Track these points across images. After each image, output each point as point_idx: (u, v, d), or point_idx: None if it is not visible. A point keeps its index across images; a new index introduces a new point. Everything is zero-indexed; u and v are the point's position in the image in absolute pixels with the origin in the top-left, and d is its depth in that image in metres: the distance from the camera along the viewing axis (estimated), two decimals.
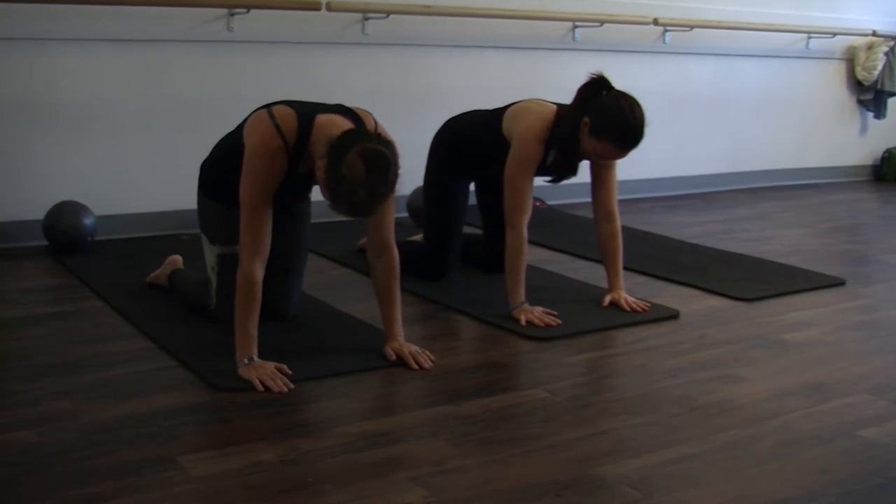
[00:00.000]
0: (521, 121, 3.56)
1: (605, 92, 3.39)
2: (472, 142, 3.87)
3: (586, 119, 3.35)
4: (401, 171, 2.71)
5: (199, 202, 3.33)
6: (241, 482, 2.21)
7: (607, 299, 3.69)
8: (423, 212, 4.11)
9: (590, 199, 3.72)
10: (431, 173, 4.02)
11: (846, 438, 2.56)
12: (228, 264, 3.19)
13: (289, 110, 2.91)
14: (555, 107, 3.56)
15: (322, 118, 2.86)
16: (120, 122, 4.64)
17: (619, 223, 3.71)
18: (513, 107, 3.70)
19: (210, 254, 3.29)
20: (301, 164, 2.93)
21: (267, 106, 3.00)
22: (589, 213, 3.76)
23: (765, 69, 6.90)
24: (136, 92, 4.65)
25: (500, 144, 3.61)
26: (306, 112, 2.90)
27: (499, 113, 3.74)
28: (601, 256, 3.79)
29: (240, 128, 3.07)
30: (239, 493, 2.17)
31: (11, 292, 3.72)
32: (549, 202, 5.59)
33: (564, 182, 3.65)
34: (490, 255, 4.05)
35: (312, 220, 3.51)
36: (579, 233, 4.83)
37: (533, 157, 3.50)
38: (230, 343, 2.86)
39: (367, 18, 5.13)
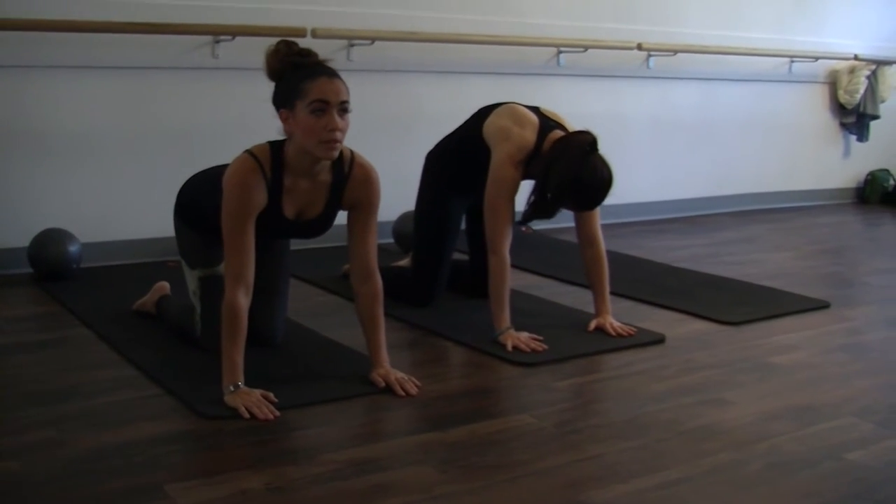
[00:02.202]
0: (500, 145, 3.55)
1: (587, 150, 3.36)
2: (458, 160, 3.88)
3: None
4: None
5: (176, 228, 3.34)
6: None
7: (593, 324, 3.70)
8: (413, 238, 4.11)
9: (574, 224, 3.73)
10: (424, 201, 4.02)
11: (833, 461, 2.56)
12: (210, 287, 3.21)
13: (263, 143, 2.93)
14: (536, 123, 3.54)
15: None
16: (105, 149, 4.64)
17: (602, 247, 3.72)
18: (492, 119, 3.66)
19: (191, 278, 3.30)
20: (284, 200, 2.93)
21: None
22: (575, 238, 3.76)
23: (748, 93, 6.95)
24: (121, 119, 4.66)
25: (486, 151, 3.62)
26: (278, 140, 2.93)
27: (477, 122, 3.73)
28: (587, 281, 3.80)
29: (223, 167, 3.07)
30: None
31: None
32: (535, 227, 5.60)
33: None
34: (476, 281, 4.06)
35: (297, 247, 3.52)
36: (565, 257, 4.84)
37: (511, 183, 3.51)
38: (216, 370, 2.85)
39: (352, 45, 5.15)
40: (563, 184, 3.34)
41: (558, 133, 3.52)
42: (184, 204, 3.32)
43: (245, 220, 2.84)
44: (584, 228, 3.69)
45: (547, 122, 3.57)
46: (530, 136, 3.52)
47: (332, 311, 3.99)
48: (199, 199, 3.21)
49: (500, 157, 3.52)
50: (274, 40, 2.91)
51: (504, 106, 3.71)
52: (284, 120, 2.83)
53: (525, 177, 3.57)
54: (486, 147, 3.63)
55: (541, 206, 3.44)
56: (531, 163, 3.52)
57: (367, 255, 3.04)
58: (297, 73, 2.79)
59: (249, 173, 2.85)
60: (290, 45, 2.86)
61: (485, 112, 3.76)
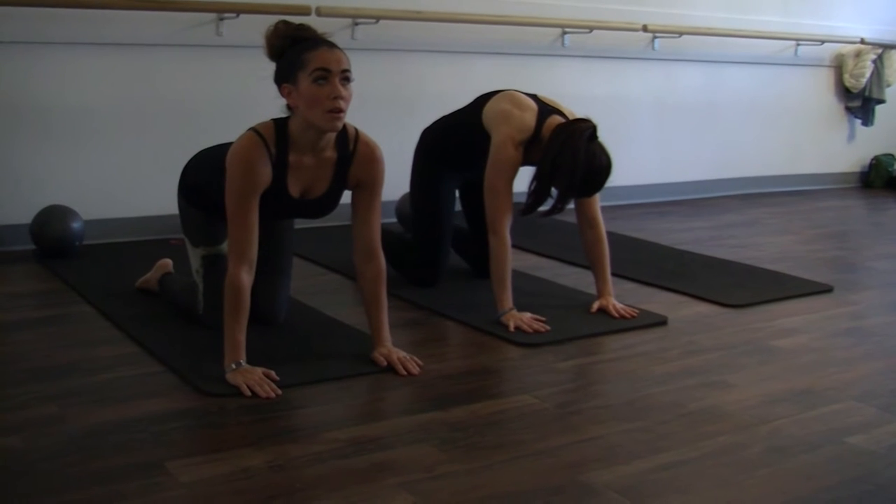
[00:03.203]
0: (500, 127, 3.55)
1: (589, 138, 3.36)
2: (455, 141, 3.88)
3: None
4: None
5: (180, 206, 3.34)
6: (230, 488, 2.20)
7: (595, 305, 3.70)
8: (412, 221, 4.10)
9: (573, 206, 3.71)
10: (417, 184, 4.03)
11: (834, 445, 2.56)
12: (213, 265, 3.22)
13: (267, 121, 2.91)
14: (535, 108, 3.54)
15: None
16: (109, 126, 4.63)
17: (602, 229, 3.71)
18: (492, 104, 3.66)
19: (194, 256, 3.29)
20: (289, 177, 2.91)
21: None
22: (576, 219, 3.75)
23: (753, 76, 6.93)
24: (125, 96, 4.65)
25: (484, 136, 3.62)
26: (282, 117, 2.91)
27: (476, 108, 3.73)
28: (588, 263, 3.80)
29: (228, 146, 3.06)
30: (227, 499, 2.16)
31: None
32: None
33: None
34: (477, 261, 4.06)
35: (299, 226, 3.51)
36: (567, 238, 4.82)
37: (511, 163, 3.50)
38: (218, 348, 2.85)
39: (356, 23, 5.14)
40: (569, 178, 3.33)
41: (557, 119, 3.51)
42: (188, 183, 3.31)
43: (249, 197, 2.83)
44: (584, 211, 3.68)
45: (545, 108, 3.57)
46: (530, 119, 3.52)
47: (334, 289, 3.99)
48: (204, 178, 3.20)
49: (501, 139, 3.52)
50: (278, 18, 2.90)
51: (503, 92, 3.72)
52: (287, 95, 2.82)
53: (524, 162, 3.56)
54: (485, 133, 3.63)
55: (544, 196, 3.42)
56: (530, 147, 3.51)
57: (370, 235, 3.03)
58: (297, 46, 2.80)
59: (253, 150, 2.84)
60: (287, 23, 2.87)
61: (484, 98, 3.76)
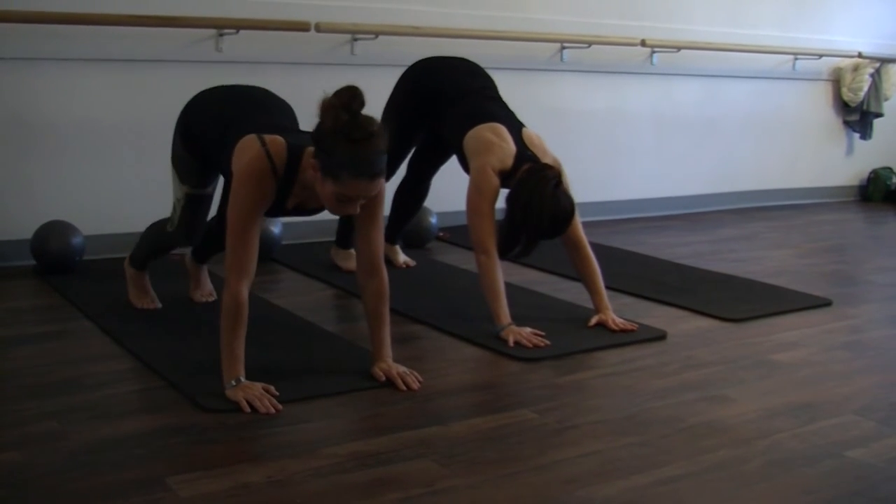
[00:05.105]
0: (482, 154, 3.59)
1: (555, 185, 3.40)
2: (441, 125, 3.98)
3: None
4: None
5: (174, 143, 3.39)
6: (229, 503, 2.21)
7: (594, 320, 3.70)
8: None
9: None
10: (392, 111, 4.24)
11: (833, 459, 2.56)
12: (194, 204, 3.40)
13: (279, 139, 2.87)
14: (514, 151, 3.57)
15: (310, 150, 2.82)
16: (108, 142, 4.64)
17: (587, 247, 3.73)
18: (477, 132, 3.67)
19: (178, 188, 3.41)
20: (290, 199, 2.93)
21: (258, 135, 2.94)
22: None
23: (752, 90, 6.94)
24: (124, 112, 4.66)
25: (459, 148, 3.75)
26: (296, 143, 2.87)
27: (460, 128, 3.76)
28: (582, 282, 3.81)
29: (234, 121, 3.06)
30: None
31: None
32: None
33: None
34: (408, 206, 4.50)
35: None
36: (566, 253, 4.83)
37: (494, 188, 3.55)
38: (218, 363, 2.85)
39: (355, 39, 5.15)
40: (538, 225, 3.39)
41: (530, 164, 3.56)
42: (188, 125, 3.31)
43: (252, 216, 2.83)
44: (567, 234, 3.67)
45: (524, 153, 3.59)
46: (509, 154, 3.57)
47: (333, 304, 3.99)
48: (200, 128, 3.25)
49: (482, 164, 3.56)
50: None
51: (490, 123, 3.69)
52: (311, 166, 2.75)
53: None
54: (461, 150, 3.73)
55: (515, 241, 3.47)
56: (504, 181, 3.55)
57: (373, 251, 3.02)
58: (347, 149, 2.64)
59: (264, 172, 2.82)
60: (352, 101, 2.68)
61: (469, 122, 3.74)
